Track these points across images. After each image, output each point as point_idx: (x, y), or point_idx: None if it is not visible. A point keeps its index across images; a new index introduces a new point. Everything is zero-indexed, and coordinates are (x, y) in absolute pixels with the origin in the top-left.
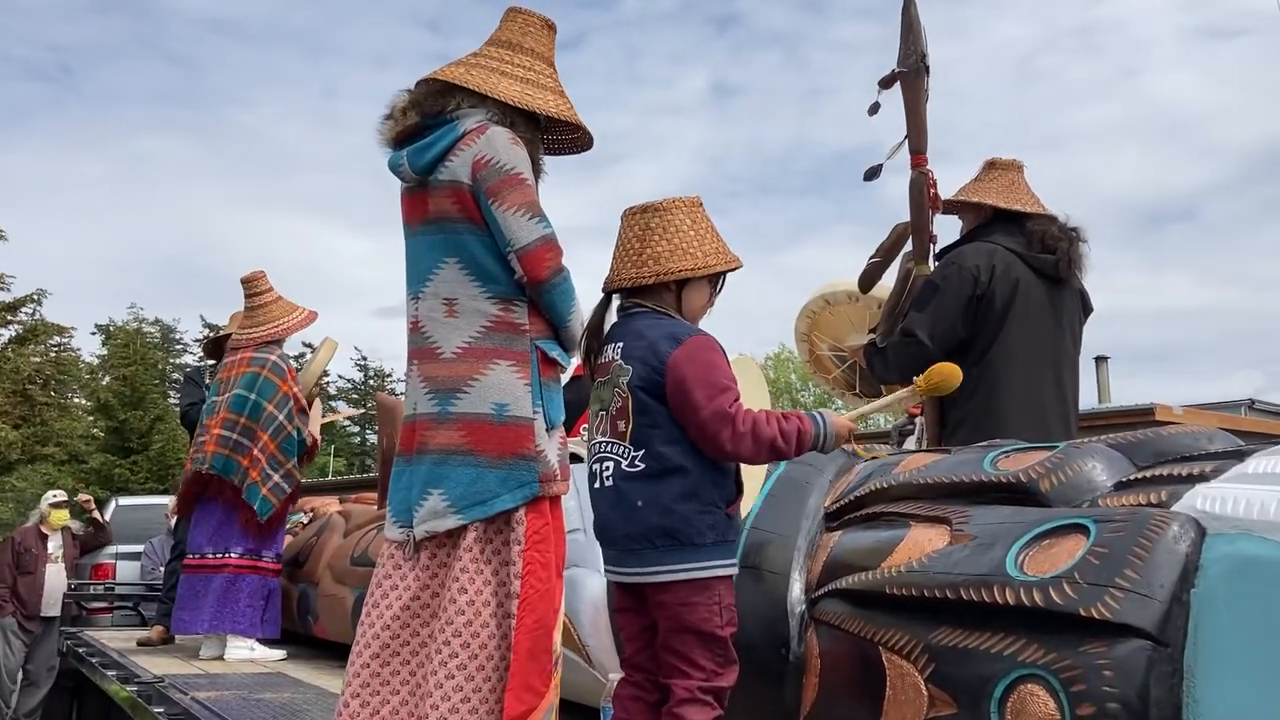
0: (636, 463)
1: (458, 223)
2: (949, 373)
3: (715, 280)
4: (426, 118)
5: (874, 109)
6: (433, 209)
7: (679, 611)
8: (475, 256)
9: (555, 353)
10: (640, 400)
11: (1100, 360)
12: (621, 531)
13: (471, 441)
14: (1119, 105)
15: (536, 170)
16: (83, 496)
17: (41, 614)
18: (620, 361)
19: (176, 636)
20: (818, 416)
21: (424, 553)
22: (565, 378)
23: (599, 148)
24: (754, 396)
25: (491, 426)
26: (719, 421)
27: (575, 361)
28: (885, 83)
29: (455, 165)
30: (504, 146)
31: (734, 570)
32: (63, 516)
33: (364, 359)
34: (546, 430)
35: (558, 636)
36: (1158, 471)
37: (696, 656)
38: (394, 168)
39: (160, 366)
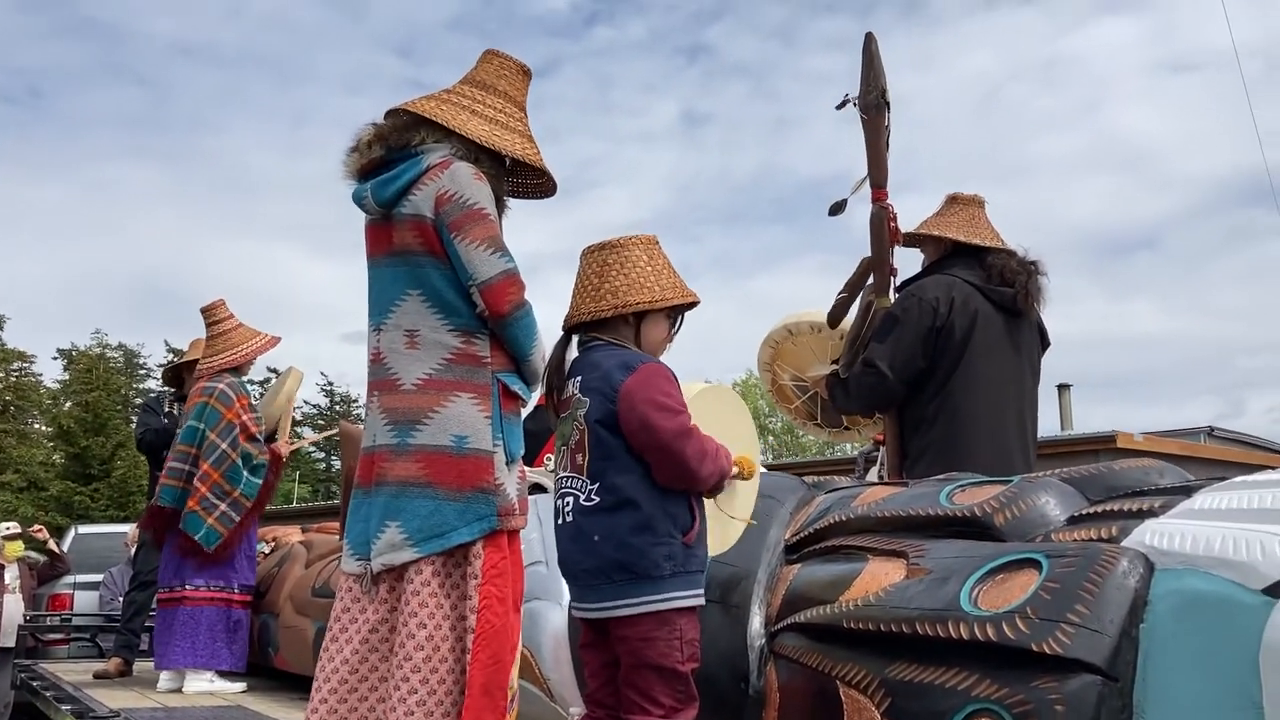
0: (593, 496)
1: (420, 256)
2: (746, 461)
3: (673, 316)
4: (391, 151)
5: (842, 106)
6: (396, 242)
7: (639, 646)
8: (437, 289)
9: (516, 386)
10: (596, 433)
11: (1063, 388)
12: (582, 566)
13: (430, 474)
14: (1082, 137)
15: (500, 206)
16: (35, 527)
17: None
18: (579, 395)
19: (134, 668)
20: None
21: (382, 586)
22: (528, 410)
23: (571, 175)
24: (735, 424)
25: (451, 459)
26: (683, 438)
27: (538, 394)
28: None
29: (419, 199)
30: (467, 181)
31: (697, 601)
32: (16, 549)
33: (330, 384)
34: (506, 463)
35: (514, 673)
36: (1109, 506)
37: (656, 693)
38: (358, 200)
39: (123, 392)
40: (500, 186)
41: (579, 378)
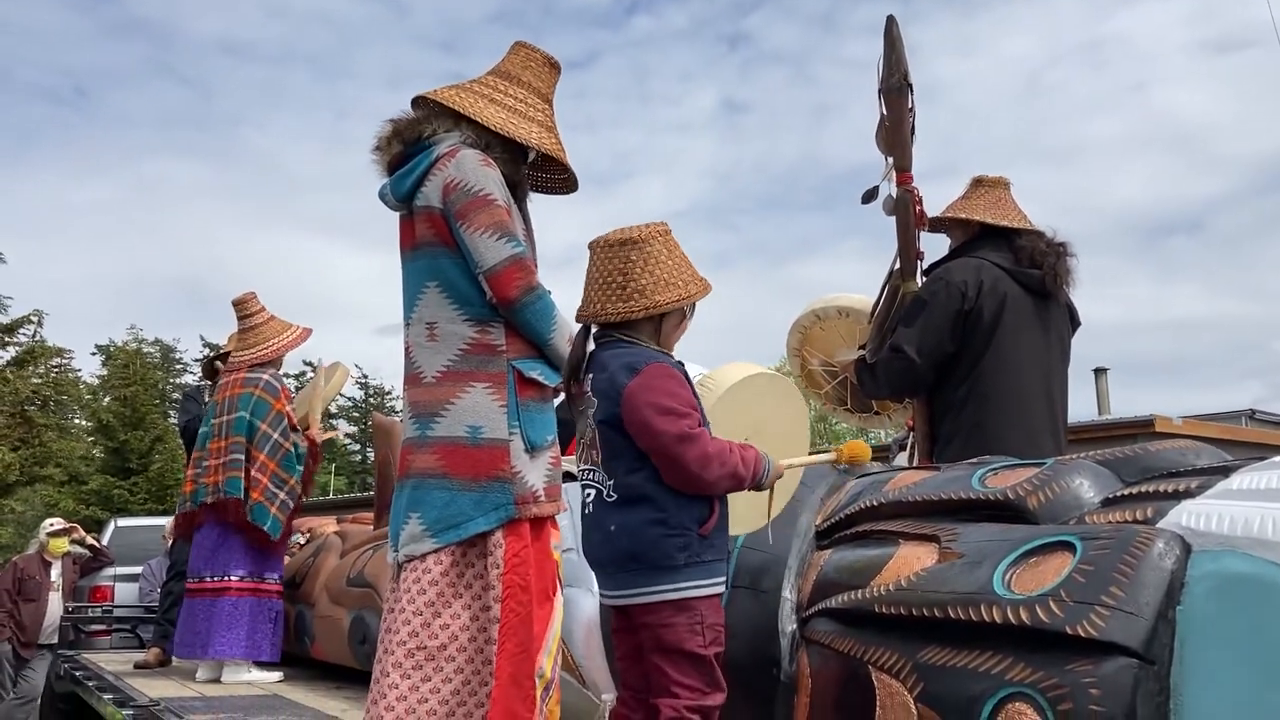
0: (611, 492)
1: (435, 247)
2: (860, 449)
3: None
4: (407, 146)
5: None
6: (417, 235)
7: (659, 632)
8: (452, 280)
9: (536, 372)
10: (604, 433)
11: (1099, 372)
12: (604, 556)
13: (446, 465)
14: (1126, 118)
15: (519, 193)
16: (71, 524)
17: (39, 642)
18: (589, 394)
19: (174, 659)
20: (763, 454)
21: (411, 576)
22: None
23: (609, 165)
24: (785, 413)
25: (466, 449)
26: (682, 443)
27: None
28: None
29: (429, 190)
30: (472, 168)
31: (715, 590)
32: (61, 544)
33: (365, 377)
34: (527, 451)
35: (544, 660)
36: (1144, 488)
37: (680, 676)
38: (381, 197)
39: (160, 386)
40: (517, 172)
41: (590, 376)
